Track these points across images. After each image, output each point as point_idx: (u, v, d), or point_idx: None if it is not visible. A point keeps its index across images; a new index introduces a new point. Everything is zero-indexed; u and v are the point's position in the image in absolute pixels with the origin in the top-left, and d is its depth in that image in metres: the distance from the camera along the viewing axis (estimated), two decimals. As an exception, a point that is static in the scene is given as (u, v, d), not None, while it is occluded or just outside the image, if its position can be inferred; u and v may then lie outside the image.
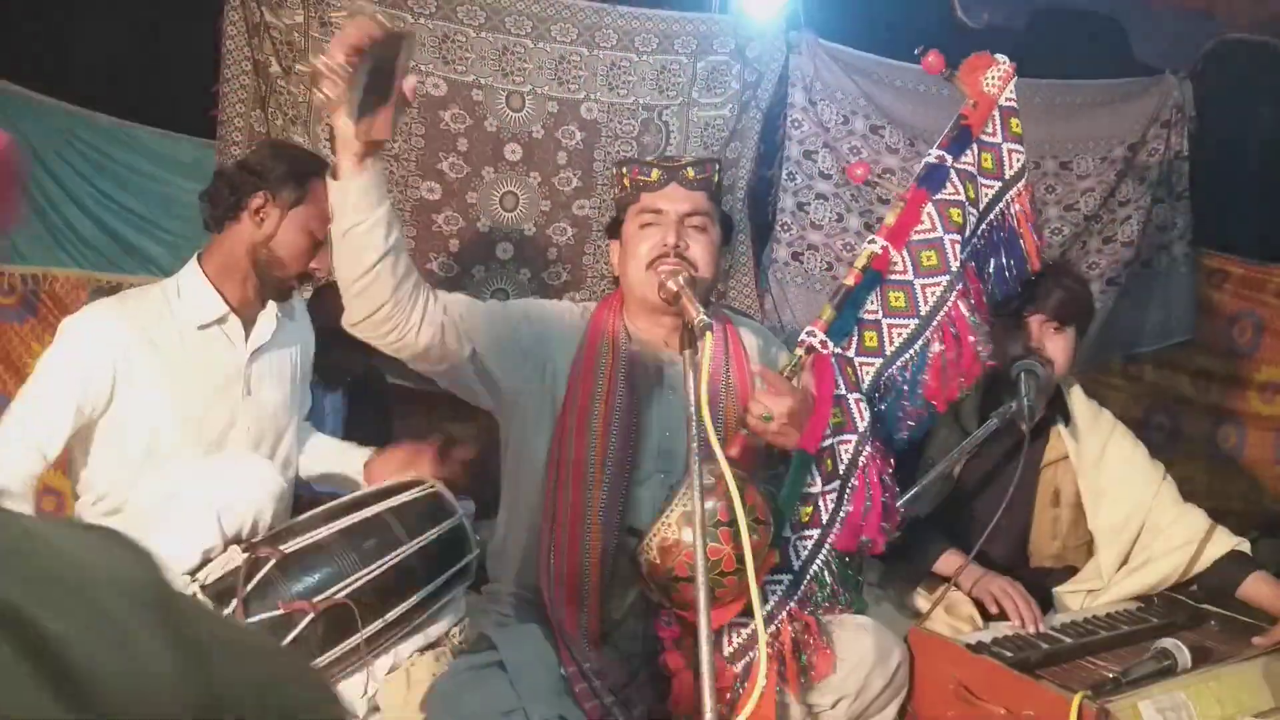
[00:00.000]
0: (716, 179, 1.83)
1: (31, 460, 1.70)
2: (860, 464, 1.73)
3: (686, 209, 1.76)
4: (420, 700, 1.68)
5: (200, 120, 3.01)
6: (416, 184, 3.05)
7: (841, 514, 1.74)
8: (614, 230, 1.86)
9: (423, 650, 1.84)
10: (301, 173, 1.88)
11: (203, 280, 1.87)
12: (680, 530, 1.46)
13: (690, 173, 1.77)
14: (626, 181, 1.80)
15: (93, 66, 3.05)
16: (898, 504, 1.85)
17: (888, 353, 1.88)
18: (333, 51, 1.35)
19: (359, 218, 1.51)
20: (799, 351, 1.76)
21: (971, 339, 1.87)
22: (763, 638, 1.33)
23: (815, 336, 1.80)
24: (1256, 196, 3.81)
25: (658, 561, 1.48)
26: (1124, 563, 2.15)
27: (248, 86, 2.93)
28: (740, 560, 1.43)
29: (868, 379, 1.86)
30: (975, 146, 1.96)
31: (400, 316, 1.61)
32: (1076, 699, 1.54)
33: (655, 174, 1.77)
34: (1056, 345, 2.11)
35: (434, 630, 1.86)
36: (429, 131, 3.01)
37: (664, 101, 3.21)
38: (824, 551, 1.74)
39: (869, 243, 1.91)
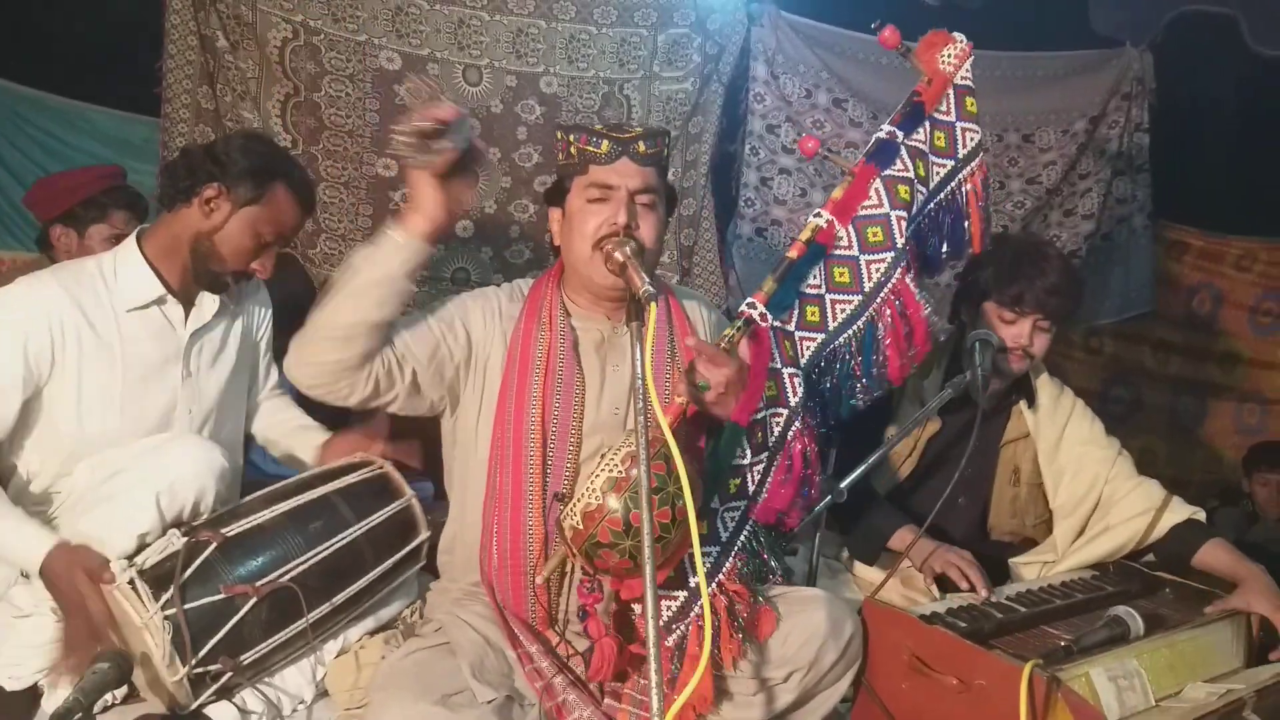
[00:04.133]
0: (666, 153, 1.74)
1: None
2: (788, 438, 1.71)
3: (638, 185, 1.67)
4: (369, 683, 1.65)
5: (152, 100, 2.94)
6: (372, 160, 2.99)
7: (766, 486, 1.73)
8: (554, 198, 1.75)
9: (373, 633, 1.81)
10: (265, 173, 1.81)
11: (139, 260, 1.82)
12: (605, 496, 1.43)
13: (642, 147, 1.67)
14: (573, 150, 1.69)
15: (42, 46, 2.97)
16: (843, 483, 1.83)
17: (830, 328, 1.85)
18: (415, 119, 1.47)
19: (402, 273, 1.59)
20: (738, 322, 1.73)
21: (924, 313, 1.85)
22: (707, 608, 1.31)
23: (756, 309, 1.76)
24: (1216, 168, 3.83)
25: (580, 527, 1.44)
26: (1080, 535, 2.16)
27: (194, 62, 2.86)
28: (665, 528, 1.42)
29: (808, 354, 1.83)
30: (928, 124, 1.93)
31: (366, 371, 1.61)
32: (1027, 668, 1.53)
33: (605, 146, 1.66)
34: (1042, 341, 2.14)
35: (385, 613, 1.83)
36: (383, 106, 2.95)
37: (625, 75, 3.16)
38: (750, 523, 1.73)
39: (814, 216, 1.87)
